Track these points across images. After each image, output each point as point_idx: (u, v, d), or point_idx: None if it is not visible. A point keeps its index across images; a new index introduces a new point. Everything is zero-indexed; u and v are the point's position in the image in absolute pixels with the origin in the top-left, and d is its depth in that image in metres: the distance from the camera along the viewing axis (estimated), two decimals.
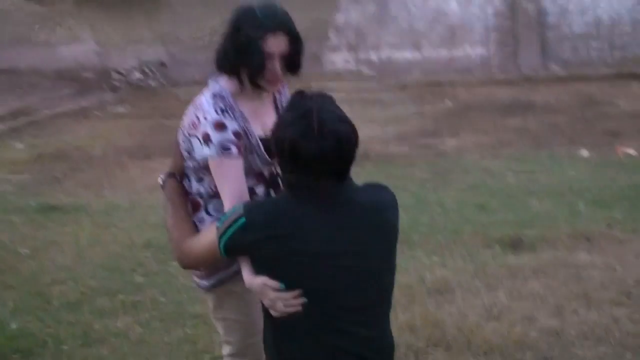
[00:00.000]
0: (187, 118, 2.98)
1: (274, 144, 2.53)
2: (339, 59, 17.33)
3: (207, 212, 3.04)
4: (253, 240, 2.47)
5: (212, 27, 17.50)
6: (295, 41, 2.90)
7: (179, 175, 3.08)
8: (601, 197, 7.24)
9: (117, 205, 7.93)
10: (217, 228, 2.58)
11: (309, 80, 16.41)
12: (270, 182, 3.10)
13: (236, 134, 2.84)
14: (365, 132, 11.36)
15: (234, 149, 2.83)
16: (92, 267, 6.03)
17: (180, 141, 3.04)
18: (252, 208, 2.54)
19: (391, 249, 2.61)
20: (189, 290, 5.44)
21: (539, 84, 15.12)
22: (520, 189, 7.73)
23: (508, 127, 11.08)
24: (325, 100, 2.52)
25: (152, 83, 16.94)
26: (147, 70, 17.15)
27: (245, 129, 2.91)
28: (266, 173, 3.08)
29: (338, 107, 2.52)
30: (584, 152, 9.16)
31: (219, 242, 2.55)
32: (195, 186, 3.04)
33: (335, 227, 2.48)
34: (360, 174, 2.79)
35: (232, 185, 2.84)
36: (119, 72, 17.24)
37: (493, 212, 6.95)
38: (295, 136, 2.41)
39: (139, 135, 11.60)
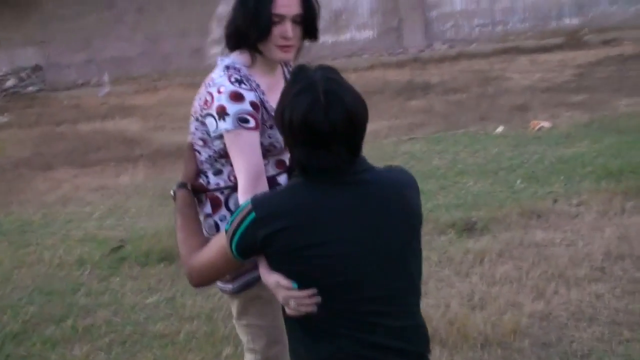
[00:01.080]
0: (199, 100, 2.79)
1: (279, 121, 2.35)
2: (215, 53, 16.94)
3: (228, 209, 2.82)
4: (265, 235, 2.26)
5: (88, 24, 16.86)
6: (310, 2, 2.74)
7: (190, 184, 2.85)
8: (534, 172, 7.22)
9: (30, 221, 7.41)
10: (226, 231, 2.34)
11: (194, 76, 16.02)
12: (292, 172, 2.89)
13: (254, 105, 2.67)
14: None
15: (252, 121, 2.65)
16: (26, 292, 5.55)
17: (193, 131, 2.83)
18: (261, 201, 2.33)
19: (414, 232, 2.41)
20: (145, 308, 5.10)
21: (427, 63, 15.22)
22: (451, 170, 7.64)
23: (415, 109, 11.04)
24: (328, 71, 2.34)
25: (30, 89, 16.14)
26: (22, 75, 16.31)
27: (264, 101, 2.73)
28: (287, 160, 2.85)
29: (342, 78, 2.36)
30: (499, 129, 9.17)
31: (230, 245, 2.32)
32: (213, 181, 2.84)
33: (352, 210, 2.29)
34: None
35: (248, 159, 2.65)
36: None
37: (433, 196, 6.81)
38: (302, 108, 2.25)
39: (32, 145, 11.00)
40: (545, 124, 9.06)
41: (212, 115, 2.68)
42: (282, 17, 2.68)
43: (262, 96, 2.73)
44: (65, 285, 5.62)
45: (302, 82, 2.31)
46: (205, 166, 2.84)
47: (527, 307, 4.52)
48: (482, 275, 5.02)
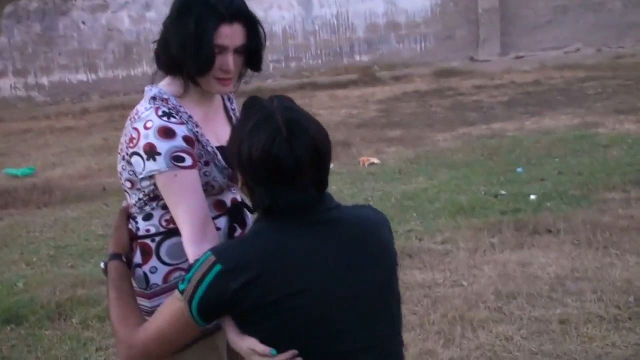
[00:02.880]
0: (124, 137, 2.39)
1: (236, 158, 2.07)
2: (5, 85, 15.85)
3: (159, 258, 2.45)
4: (235, 289, 1.95)
5: None
6: (255, 33, 2.42)
7: (125, 255, 2.45)
8: (384, 209, 7.02)
9: None
10: (182, 291, 2.00)
11: None
12: (234, 214, 2.53)
13: (188, 140, 2.33)
14: (80, 165, 10.35)
15: (188, 158, 2.31)
16: None
17: (120, 171, 2.45)
18: (224, 251, 2.03)
19: (392, 272, 2.19)
20: None
21: None
22: None
23: None
24: (285, 100, 2.12)
25: None
26: None
27: (198, 135, 2.38)
28: (228, 201, 2.54)
29: (300, 107, 2.12)
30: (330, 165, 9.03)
31: (190, 305, 1.98)
32: (143, 226, 2.48)
33: (326, 251, 2.05)
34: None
35: (190, 203, 2.30)
36: None
37: None
38: (262, 142, 2.01)
39: None
40: (375, 160, 9.04)
41: (139, 154, 2.31)
42: (223, 48, 2.35)
43: (195, 129, 2.39)
44: None
45: (257, 113, 2.05)
46: (135, 210, 2.49)
47: (442, 354, 4.31)
48: None
